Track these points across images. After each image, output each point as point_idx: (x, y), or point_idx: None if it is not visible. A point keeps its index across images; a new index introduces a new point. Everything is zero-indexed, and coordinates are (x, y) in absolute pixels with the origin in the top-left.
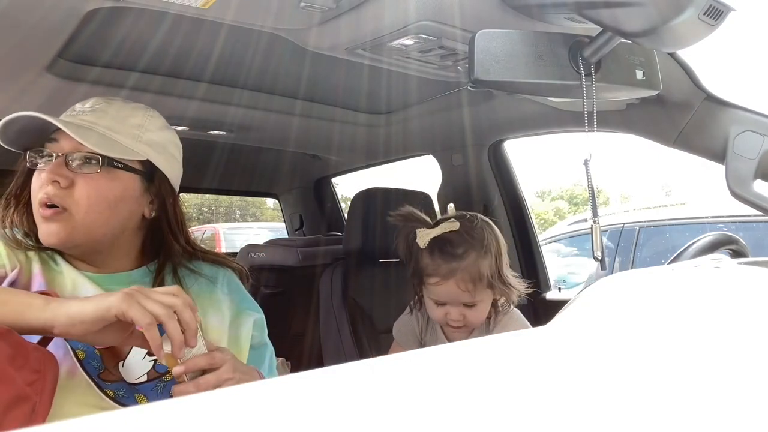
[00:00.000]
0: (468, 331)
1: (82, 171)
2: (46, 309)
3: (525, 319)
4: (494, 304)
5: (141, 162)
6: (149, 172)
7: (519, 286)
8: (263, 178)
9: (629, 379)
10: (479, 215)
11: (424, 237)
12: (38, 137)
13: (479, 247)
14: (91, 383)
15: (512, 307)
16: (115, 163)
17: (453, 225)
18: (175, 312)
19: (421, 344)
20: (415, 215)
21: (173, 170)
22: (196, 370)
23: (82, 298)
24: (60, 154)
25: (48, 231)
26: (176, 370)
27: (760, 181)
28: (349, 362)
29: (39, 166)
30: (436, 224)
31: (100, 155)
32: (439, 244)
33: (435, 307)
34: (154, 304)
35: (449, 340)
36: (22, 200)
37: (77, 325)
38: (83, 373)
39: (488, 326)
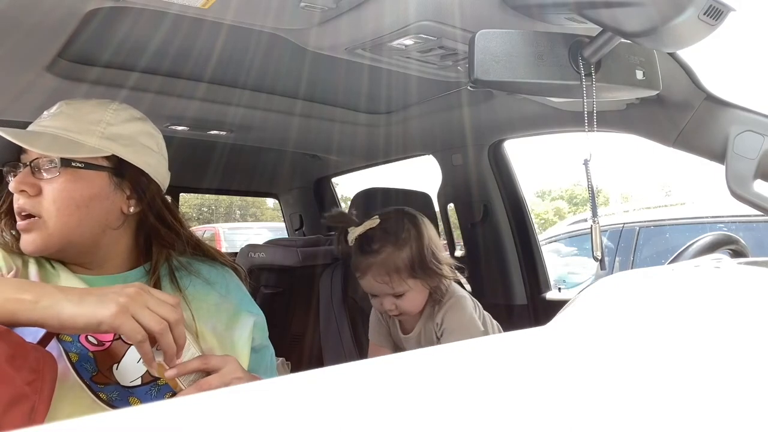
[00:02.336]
0: (412, 316)
1: (46, 177)
2: (35, 309)
3: (469, 304)
4: (432, 291)
5: (107, 158)
6: (118, 167)
7: (448, 273)
8: (263, 178)
9: (629, 379)
10: (407, 210)
11: (351, 235)
12: (14, 151)
13: (394, 241)
14: (84, 386)
15: (457, 292)
16: (74, 164)
17: (373, 222)
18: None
19: (390, 335)
20: (345, 217)
21: (149, 162)
22: (188, 373)
23: (76, 298)
24: (27, 164)
25: (25, 240)
26: (168, 374)
27: (760, 181)
28: (349, 362)
29: (11, 178)
30: (362, 222)
31: (59, 158)
32: (359, 241)
33: (371, 298)
34: (150, 318)
35: (400, 326)
36: (10, 213)
37: (68, 329)
38: (76, 376)
39: (432, 312)
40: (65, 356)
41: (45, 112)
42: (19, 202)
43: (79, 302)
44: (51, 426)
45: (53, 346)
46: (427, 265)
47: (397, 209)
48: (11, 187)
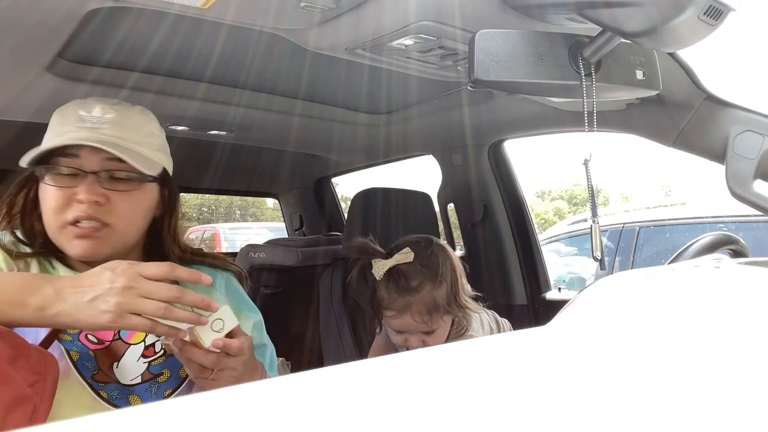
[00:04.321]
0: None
1: (120, 188)
2: (44, 316)
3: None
4: (455, 324)
5: None
6: (163, 177)
7: (475, 308)
8: (263, 178)
9: (629, 379)
10: (434, 239)
11: (379, 268)
12: (50, 152)
13: (434, 277)
14: (85, 385)
15: (468, 331)
16: (148, 178)
17: (407, 256)
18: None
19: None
20: (369, 247)
21: (170, 167)
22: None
23: (74, 303)
24: (89, 172)
25: (84, 246)
26: (202, 354)
27: (760, 181)
28: (349, 362)
29: (58, 182)
30: (390, 253)
31: (137, 172)
32: (393, 276)
33: (395, 334)
34: (149, 307)
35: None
36: (27, 212)
37: (70, 329)
38: (77, 374)
39: None
40: (66, 355)
41: (84, 113)
42: (87, 211)
43: (76, 311)
44: (52, 426)
45: (54, 345)
46: (460, 301)
47: (425, 238)
48: (82, 197)
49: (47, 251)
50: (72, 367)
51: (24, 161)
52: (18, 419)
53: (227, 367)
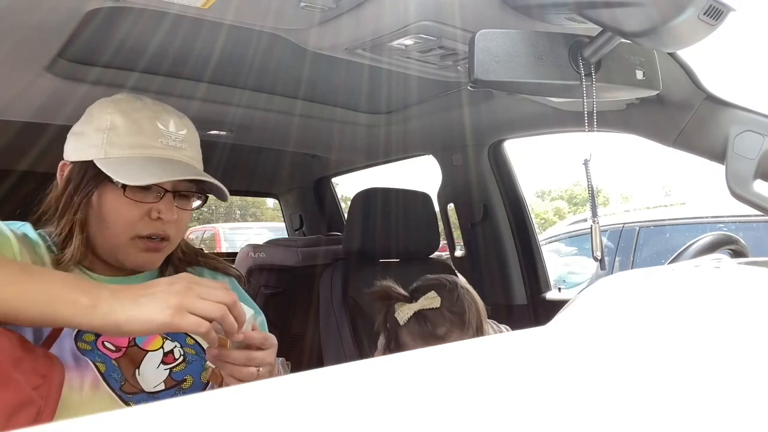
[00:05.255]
0: None
1: (184, 206)
2: (94, 315)
3: None
4: None
5: None
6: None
7: None
8: (263, 178)
9: (629, 379)
10: (458, 281)
11: (403, 313)
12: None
13: (460, 324)
14: (114, 396)
15: None
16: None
17: (434, 301)
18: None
19: None
20: (393, 291)
21: None
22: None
23: (130, 303)
24: (168, 191)
25: (148, 258)
26: (237, 336)
27: (760, 181)
28: (349, 362)
29: (135, 195)
30: (414, 296)
31: (202, 192)
32: (419, 322)
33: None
34: (208, 308)
35: None
36: (84, 217)
37: (125, 334)
38: (106, 386)
39: None
40: (94, 367)
41: (162, 127)
42: (163, 227)
43: (134, 307)
44: (55, 425)
45: (80, 358)
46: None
47: (450, 281)
48: (165, 216)
49: (75, 259)
50: (101, 379)
51: (111, 172)
52: (22, 423)
53: (264, 362)
